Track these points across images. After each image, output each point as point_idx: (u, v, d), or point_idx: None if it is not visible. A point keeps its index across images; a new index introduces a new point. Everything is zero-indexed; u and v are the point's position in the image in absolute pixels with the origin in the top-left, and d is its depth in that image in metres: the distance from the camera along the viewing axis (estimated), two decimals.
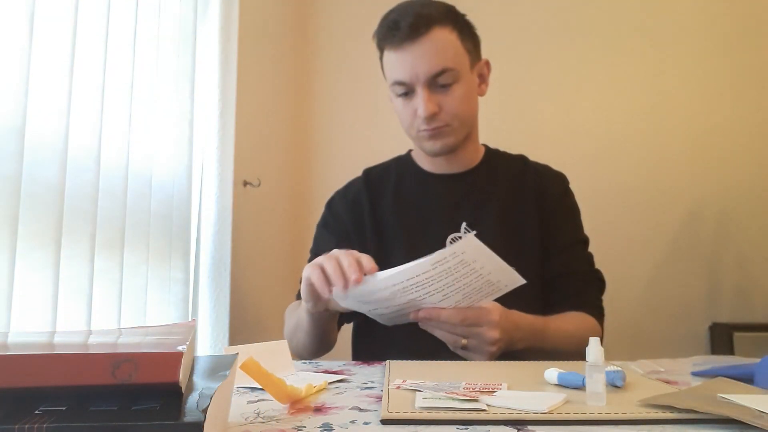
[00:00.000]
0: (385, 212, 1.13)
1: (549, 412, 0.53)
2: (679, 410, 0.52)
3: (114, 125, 1.02)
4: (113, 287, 1.00)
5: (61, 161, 0.86)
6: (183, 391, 0.41)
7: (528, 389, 0.63)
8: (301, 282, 0.90)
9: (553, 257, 1.09)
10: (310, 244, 1.18)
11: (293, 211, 2.04)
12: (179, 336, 0.49)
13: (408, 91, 1.04)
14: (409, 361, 0.83)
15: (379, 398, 0.62)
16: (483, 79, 1.12)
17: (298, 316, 1.02)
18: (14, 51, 0.78)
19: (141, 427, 0.37)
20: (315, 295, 0.87)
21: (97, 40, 0.96)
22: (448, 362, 0.82)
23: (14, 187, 0.77)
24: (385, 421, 0.52)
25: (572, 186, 1.19)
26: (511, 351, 0.89)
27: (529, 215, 1.10)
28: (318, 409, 0.58)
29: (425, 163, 1.17)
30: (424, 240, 1.06)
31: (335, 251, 0.85)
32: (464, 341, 0.85)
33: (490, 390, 0.60)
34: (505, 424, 0.51)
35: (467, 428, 0.50)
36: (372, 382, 0.74)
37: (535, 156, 1.21)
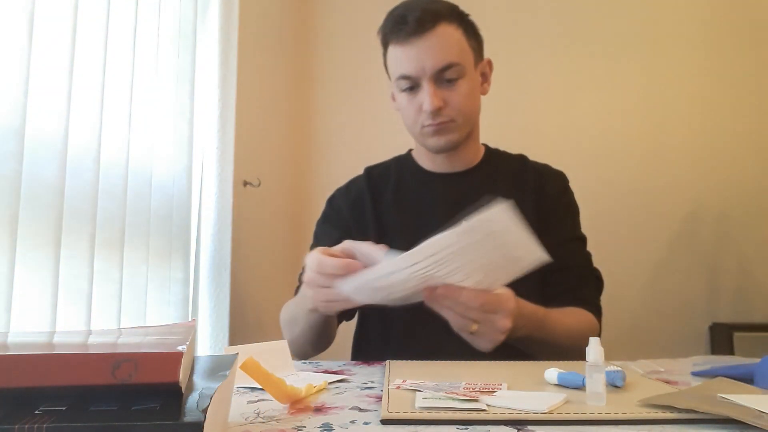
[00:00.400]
0: (387, 211, 1.13)
1: (549, 412, 0.53)
2: (679, 410, 0.52)
3: (114, 125, 1.01)
4: (113, 287, 1.00)
5: (60, 161, 0.85)
6: (183, 391, 0.41)
7: (528, 389, 0.63)
8: (299, 281, 0.89)
9: (549, 252, 1.09)
10: (310, 243, 1.18)
11: (293, 211, 2.04)
12: (179, 336, 0.49)
13: (413, 86, 1.05)
14: (409, 361, 0.83)
15: (379, 398, 0.62)
16: (486, 78, 1.13)
17: (296, 312, 1.02)
18: (14, 51, 0.78)
19: (141, 427, 0.37)
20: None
21: (97, 40, 0.96)
22: (448, 362, 0.82)
23: (14, 187, 0.77)
24: (385, 421, 0.52)
25: (572, 186, 1.19)
26: (511, 347, 0.87)
27: (529, 214, 1.10)
28: (318, 409, 0.58)
29: (426, 162, 1.17)
30: (424, 239, 1.06)
31: (310, 262, 0.80)
32: (475, 327, 0.80)
33: (490, 390, 0.60)
34: (505, 424, 0.51)
35: (467, 428, 0.50)
36: (372, 382, 0.74)
37: (535, 156, 1.21)
